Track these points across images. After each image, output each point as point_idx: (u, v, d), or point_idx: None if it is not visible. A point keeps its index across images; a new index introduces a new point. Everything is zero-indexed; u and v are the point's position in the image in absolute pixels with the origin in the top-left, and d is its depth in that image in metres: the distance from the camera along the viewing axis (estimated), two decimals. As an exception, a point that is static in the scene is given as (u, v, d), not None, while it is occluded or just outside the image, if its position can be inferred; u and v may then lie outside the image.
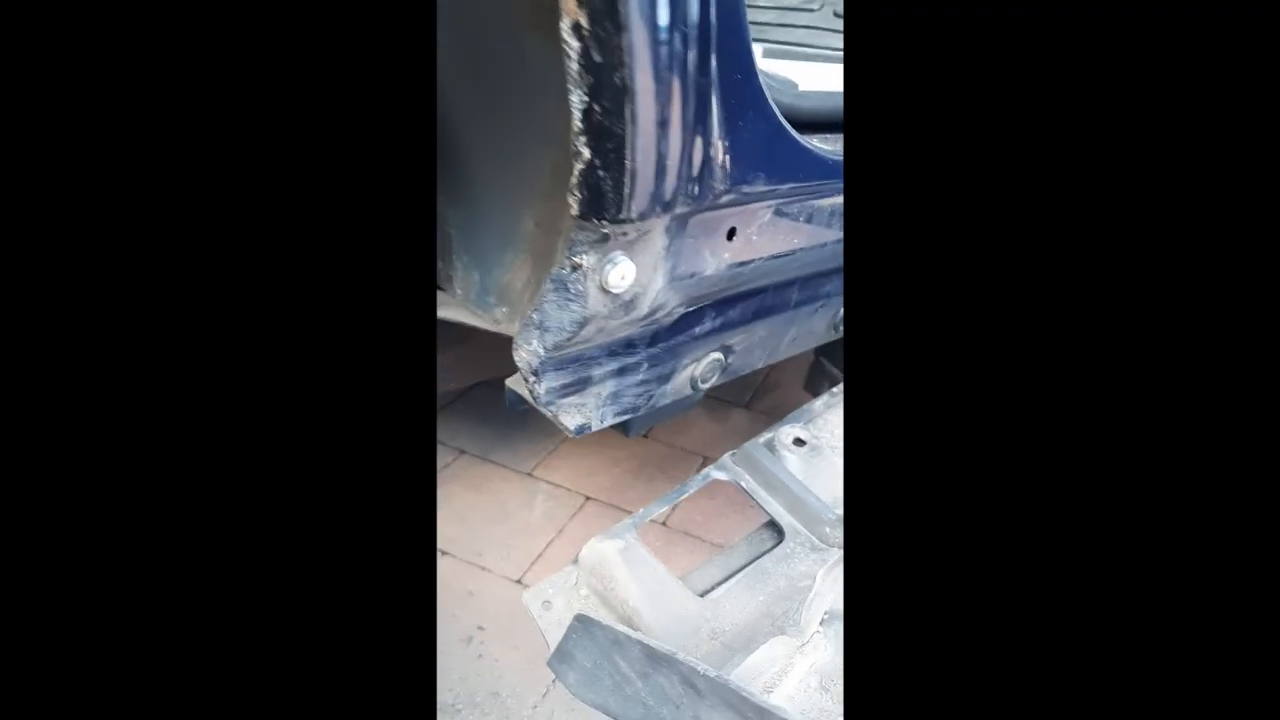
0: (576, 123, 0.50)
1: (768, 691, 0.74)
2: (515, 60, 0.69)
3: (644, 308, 0.72)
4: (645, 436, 2.18)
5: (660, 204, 0.56)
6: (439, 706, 1.45)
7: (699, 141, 0.58)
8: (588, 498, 1.96)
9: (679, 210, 0.62)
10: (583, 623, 0.76)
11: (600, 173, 0.52)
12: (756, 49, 1.19)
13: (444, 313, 0.97)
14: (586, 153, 0.51)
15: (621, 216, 0.53)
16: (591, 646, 0.77)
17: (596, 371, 0.81)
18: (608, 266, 0.61)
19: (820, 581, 0.81)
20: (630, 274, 0.63)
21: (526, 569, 1.75)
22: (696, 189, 0.61)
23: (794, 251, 0.90)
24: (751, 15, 1.51)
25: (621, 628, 0.71)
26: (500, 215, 0.84)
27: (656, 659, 0.69)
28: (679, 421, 2.24)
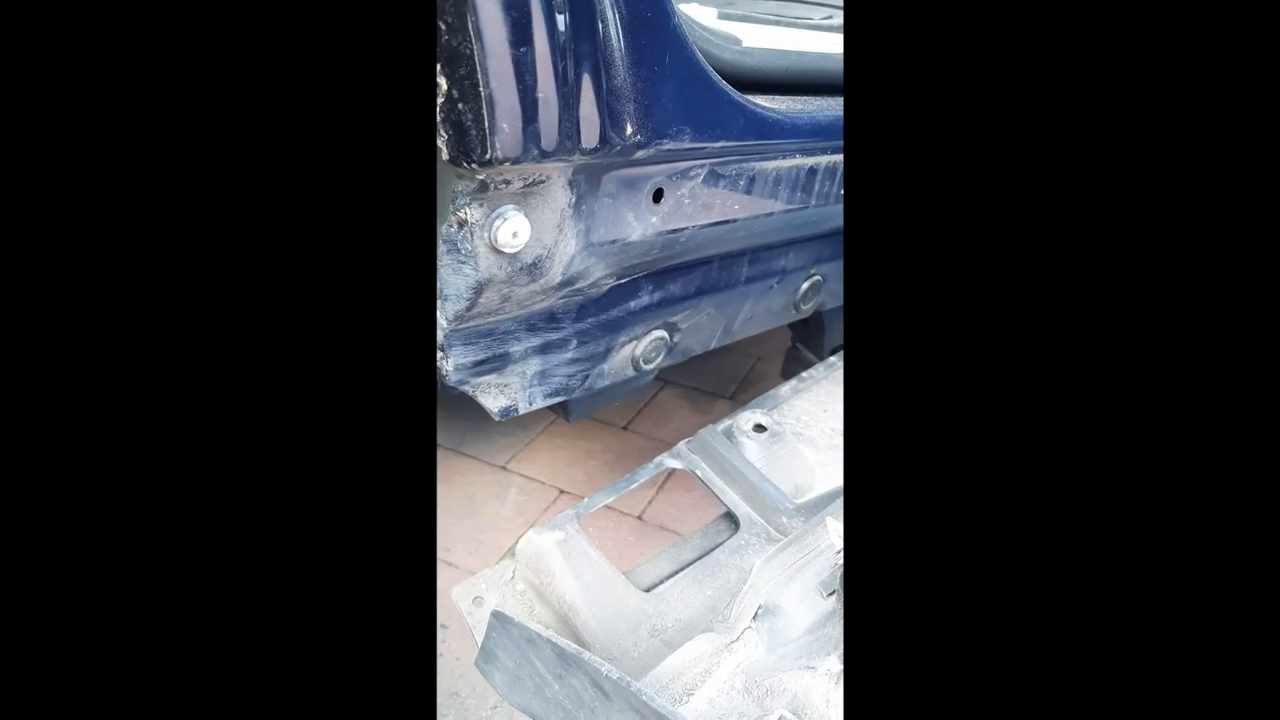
0: (427, 47, 0.43)
1: (689, 693, 0.68)
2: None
3: (554, 274, 0.65)
4: (625, 429, 2.12)
5: (536, 145, 0.50)
6: (396, 707, 1.39)
7: (588, 78, 0.51)
8: (561, 491, 1.90)
9: (576, 160, 0.55)
10: (499, 620, 0.70)
11: (460, 105, 0.45)
12: (709, 11, 1.13)
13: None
14: (443, 82, 0.44)
15: (487, 156, 0.47)
16: (510, 646, 0.71)
17: (515, 348, 0.75)
18: (496, 222, 0.55)
19: (756, 573, 0.75)
20: (524, 230, 0.57)
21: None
22: (596, 137, 0.55)
23: (736, 220, 0.83)
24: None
25: (534, 625, 0.65)
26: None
27: (567, 659, 0.63)
28: (660, 413, 2.18)
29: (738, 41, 0.87)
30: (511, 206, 0.56)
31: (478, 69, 0.44)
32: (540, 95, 0.48)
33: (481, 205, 0.54)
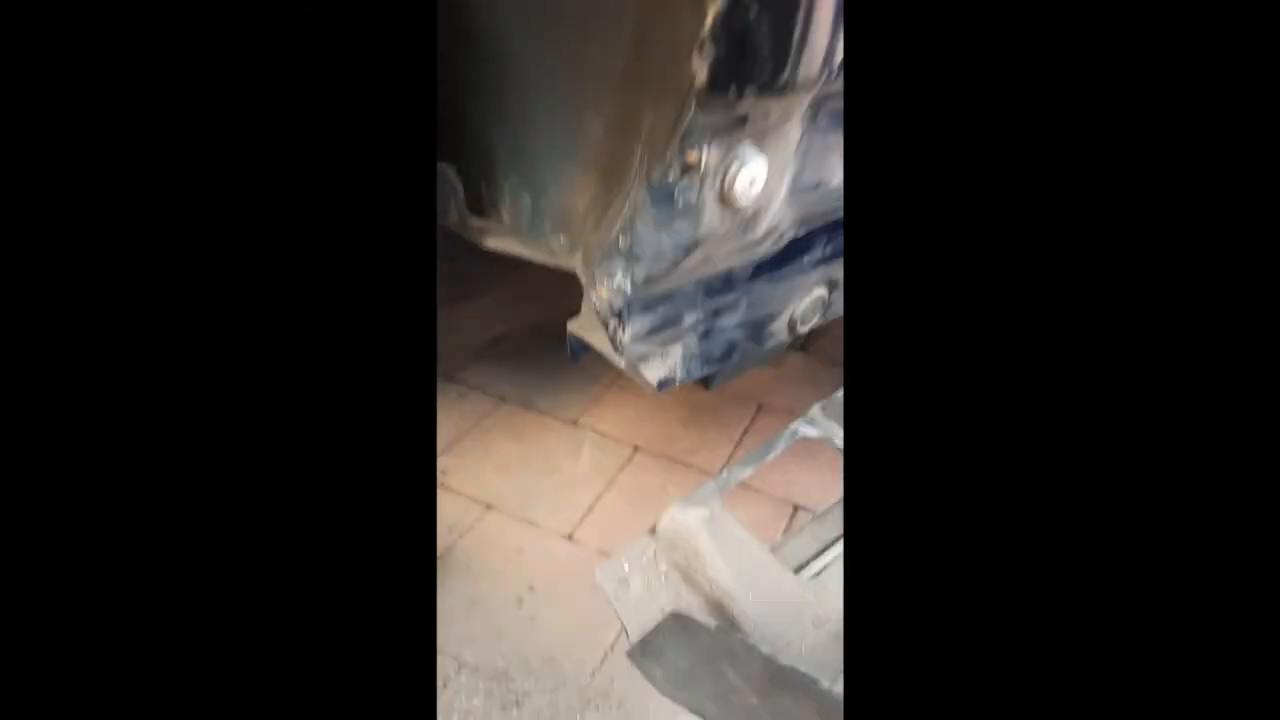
0: (722, -71, 0.32)
1: None
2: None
3: (762, 228, 0.54)
4: (696, 381, 2.03)
5: (829, 66, 0.38)
6: (492, 673, 1.36)
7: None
8: (636, 447, 1.83)
9: (833, 86, 0.44)
10: (681, 624, 0.62)
11: (753, 15, 0.33)
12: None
13: (492, 243, 0.81)
14: (732, -18, 0.33)
15: (783, 80, 0.35)
16: (690, 649, 0.63)
17: (689, 314, 0.64)
18: (734, 166, 0.44)
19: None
20: (761, 177, 0.45)
21: (577, 524, 1.64)
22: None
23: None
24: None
25: (741, 639, 0.57)
26: (557, 120, 0.66)
27: (785, 680, 0.55)
28: (731, 364, 2.08)
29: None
30: (751, 145, 0.44)
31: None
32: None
33: (722, 146, 0.43)
